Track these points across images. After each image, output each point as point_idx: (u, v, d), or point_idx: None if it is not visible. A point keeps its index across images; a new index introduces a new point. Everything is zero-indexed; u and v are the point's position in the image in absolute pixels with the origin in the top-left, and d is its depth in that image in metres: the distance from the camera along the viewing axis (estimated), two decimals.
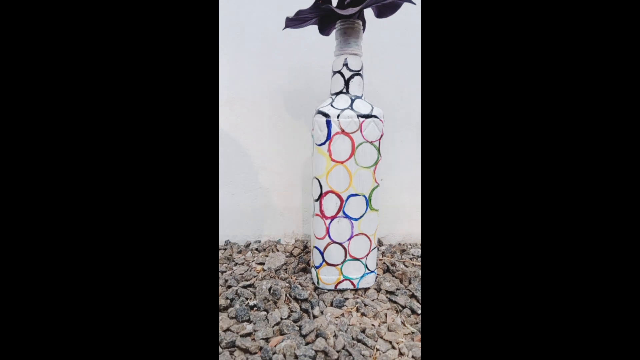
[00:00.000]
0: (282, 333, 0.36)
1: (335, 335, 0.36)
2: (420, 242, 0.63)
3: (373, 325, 0.38)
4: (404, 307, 0.42)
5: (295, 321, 0.38)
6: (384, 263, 0.52)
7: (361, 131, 0.39)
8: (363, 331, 0.37)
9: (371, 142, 0.40)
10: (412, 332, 0.37)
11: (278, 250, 0.57)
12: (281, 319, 0.39)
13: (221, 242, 0.62)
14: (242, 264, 0.54)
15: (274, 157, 0.59)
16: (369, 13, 0.44)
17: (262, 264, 0.53)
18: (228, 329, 0.37)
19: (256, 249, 0.59)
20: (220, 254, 0.57)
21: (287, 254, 0.56)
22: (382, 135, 0.41)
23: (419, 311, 0.40)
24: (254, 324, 0.38)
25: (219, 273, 0.51)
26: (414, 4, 0.38)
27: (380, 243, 0.62)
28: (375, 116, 0.39)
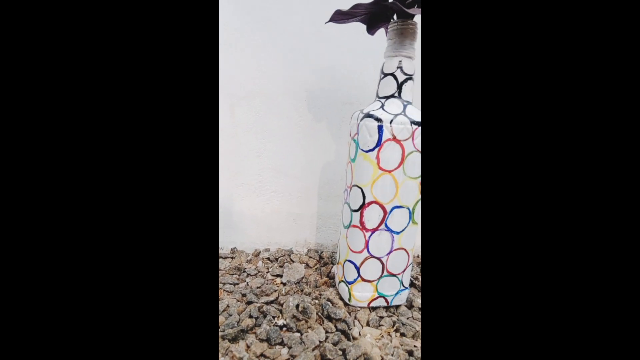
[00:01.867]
0: (324, 359, 0.33)
1: None
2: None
3: (416, 346, 0.36)
4: None
5: (334, 344, 0.35)
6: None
7: (413, 139, 0.37)
8: (411, 354, 0.34)
9: (421, 152, 0.38)
10: None
11: (293, 261, 0.53)
12: (319, 341, 0.35)
13: (227, 250, 0.56)
14: (256, 275, 0.49)
15: (291, 160, 0.55)
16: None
17: (279, 275, 0.48)
18: (262, 355, 0.33)
19: (267, 258, 0.54)
20: (227, 263, 0.51)
21: (303, 264, 0.52)
22: None
23: None
24: (290, 347, 0.34)
25: (232, 285, 0.45)
26: None
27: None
28: None
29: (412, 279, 0.49)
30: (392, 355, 0.34)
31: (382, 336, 0.37)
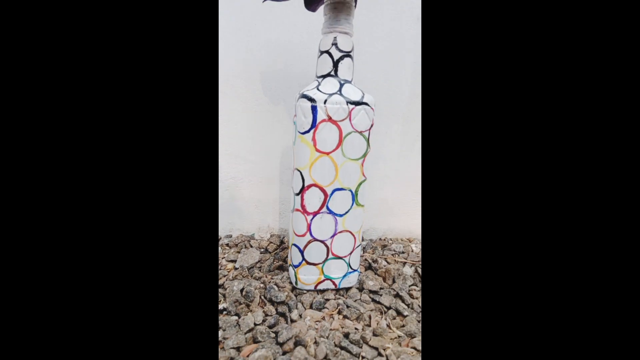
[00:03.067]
0: (255, 341, 0.33)
1: (316, 343, 0.33)
2: (402, 237, 0.61)
3: (357, 329, 0.36)
4: (389, 308, 0.39)
5: (270, 327, 0.35)
6: (365, 260, 0.50)
7: (350, 120, 0.36)
8: (346, 336, 0.34)
9: (360, 132, 0.36)
10: (399, 336, 0.35)
11: (251, 247, 0.53)
12: (255, 324, 0.35)
13: None
14: None
15: (249, 145, 0.54)
16: None
17: (233, 261, 0.48)
18: None
19: (227, 245, 0.54)
20: None
21: (262, 250, 0.52)
22: (372, 125, 0.37)
23: (405, 313, 0.38)
24: (224, 330, 0.34)
25: None
26: None
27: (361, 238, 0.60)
28: (366, 103, 0.36)
29: (370, 261, 0.49)
30: (327, 337, 0.34)
31: (324, 318, 0.37)
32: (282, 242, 0.55)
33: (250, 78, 0.51)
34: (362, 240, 0.59)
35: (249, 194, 0.56)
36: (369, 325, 0.36)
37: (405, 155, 0.58)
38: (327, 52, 0.36)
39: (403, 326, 0.36)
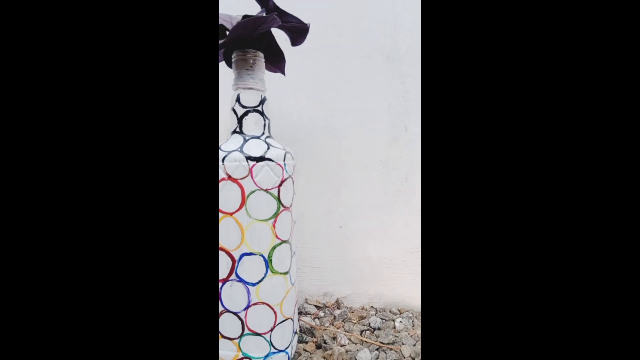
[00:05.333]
0: None
1: None
2: (394, 306, 0.51)
3: None
4: None
5: None
6: (322, 336, 0.42)
7: (252, 177, 0.32)
8: None
9: (266, 190, 0.33)
10: None
11: None
12: None
13: None
14: None
15: None
16: (285, 43, 0.38)
17: None
18: None
19: None
20: None
21: None
22: (282, 182, 0.33)
23: None
24: None
25: None
26: (306, 27, 0.31)
27: (337, 305, 0.51)
28: (269, 159, 0.32)
29: (327, 338, 0.41)
30: None
31: None
32: None
33: None
34: (339, 307, 0.51)
35: None
36: None
37: (389, 207, 0.50)
38: (232, 109, 0.34)
39: None
